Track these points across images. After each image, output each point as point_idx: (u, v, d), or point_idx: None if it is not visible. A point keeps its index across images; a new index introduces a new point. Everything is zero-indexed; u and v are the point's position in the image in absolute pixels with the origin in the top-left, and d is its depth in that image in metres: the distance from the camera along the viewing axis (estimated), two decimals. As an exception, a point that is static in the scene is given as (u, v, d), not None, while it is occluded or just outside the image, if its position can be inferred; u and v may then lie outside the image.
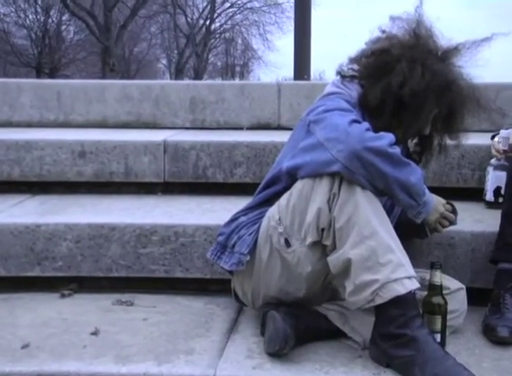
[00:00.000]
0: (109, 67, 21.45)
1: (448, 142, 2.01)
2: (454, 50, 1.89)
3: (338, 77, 1.95)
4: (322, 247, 1.73)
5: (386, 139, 1.67)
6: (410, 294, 1.65)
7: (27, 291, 2.23)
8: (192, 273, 2.25)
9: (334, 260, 1.70)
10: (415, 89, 1.80)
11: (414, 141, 2.03)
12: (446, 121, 1.92)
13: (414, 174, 1.70)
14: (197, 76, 26.79)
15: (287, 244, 1.77)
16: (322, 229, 1.70)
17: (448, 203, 1.91)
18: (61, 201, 2.66)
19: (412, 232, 1.94)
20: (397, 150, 1.68)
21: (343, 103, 1.82)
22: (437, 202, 1.84)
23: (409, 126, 1.87)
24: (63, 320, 1.99)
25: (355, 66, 1.93)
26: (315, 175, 1.70)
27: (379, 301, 1.64)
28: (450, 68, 1.88)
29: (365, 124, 1.70)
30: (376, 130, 1.69)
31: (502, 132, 2.42)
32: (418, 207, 1.74)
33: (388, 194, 1.73)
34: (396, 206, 1.92)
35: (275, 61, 37.80)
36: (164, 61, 30.32)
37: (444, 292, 1.80)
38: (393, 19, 1.93)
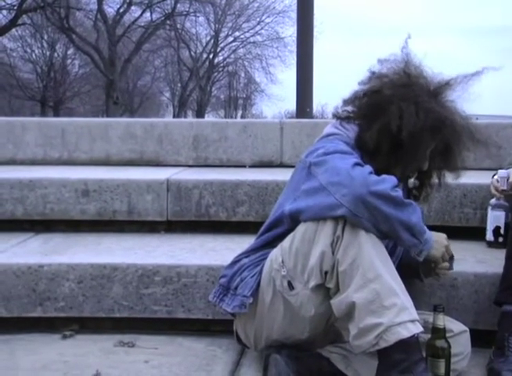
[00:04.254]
0: (113, 100, 21.67)
1: (448, 176, 2.01)
2: (446, 85, 1.90)
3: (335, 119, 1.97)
4: (326, 289, 1.73)
5: (389, 182, 1.68)
6: (414, 338, 1.63)
7: (29, 332, 2.22)
8: (195, 314, 2.24)
9: (338, 303, 1.69)
10: (411, 130, 1.81)
11: (414, 176, 2.03)
12: (444, 156, 1.92)
13: (415, 213, 1.70)
14: (200, 109, 27.04)
15: (290, 286, 1.77)
16: (326, 272, 1.70)
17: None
18: (64, 240, 2.67)
19: (410, 275, 1.92)
20: (399, 192, 1.69)
21: (342, 144, 1.84)
22: (438, 237, 1.82)
23: (407, 164, 1.87)
24: (64, 363, 1.98)
25: (350, 108, 1.94)
26: (319, 218, 1.71)
27: (383, 344, 1.63)
28: (443, 104, 1.88)
29: (368, 168, 1.71)
30: (376, 172, 1.70)
31: (501, 172, 2.41)
32: (420, 244, 1.73)
33: (392, 236, 1.73)
34: (398, 247, 1.92)
35: (277, 94, 38.16)
36: (168, 94, 30.67)
37: (447, 335, 1.79)
38: (381, 61, 1.95)
